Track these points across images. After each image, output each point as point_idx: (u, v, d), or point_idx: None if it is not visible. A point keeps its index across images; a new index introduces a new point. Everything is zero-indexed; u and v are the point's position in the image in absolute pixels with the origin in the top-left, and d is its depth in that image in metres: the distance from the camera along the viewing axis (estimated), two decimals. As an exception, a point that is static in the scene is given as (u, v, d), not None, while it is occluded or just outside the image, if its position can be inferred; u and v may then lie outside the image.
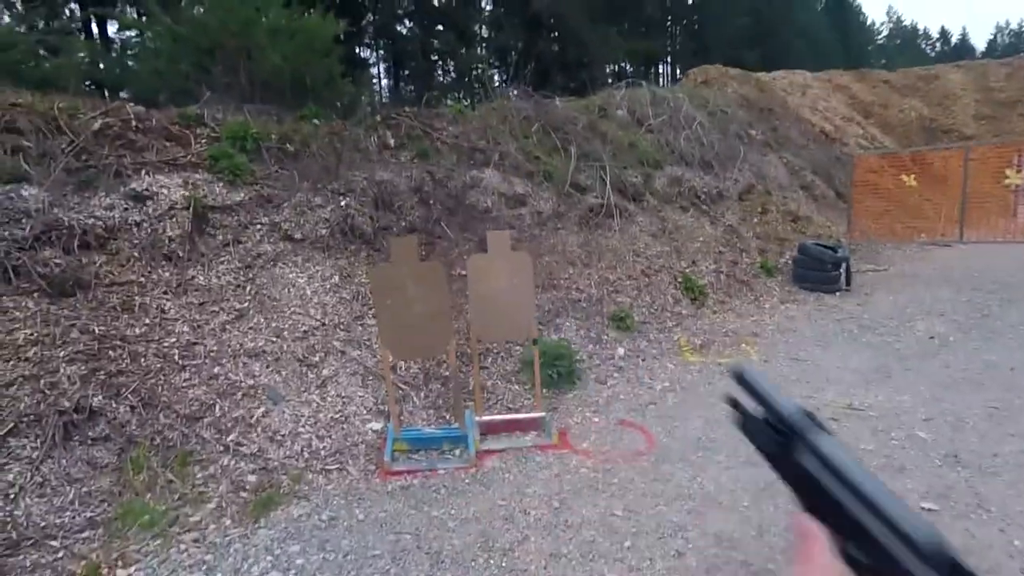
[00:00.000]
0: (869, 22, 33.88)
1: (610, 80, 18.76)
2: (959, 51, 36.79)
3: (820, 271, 9.02)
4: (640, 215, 8.55)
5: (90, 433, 3.59)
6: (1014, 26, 39.79)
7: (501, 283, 4.40)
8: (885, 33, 37.60)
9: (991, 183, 8.94)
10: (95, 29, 9.02)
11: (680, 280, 7.90)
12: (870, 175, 9.90)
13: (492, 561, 3.05)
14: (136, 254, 4.59)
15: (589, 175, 8.38)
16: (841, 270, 8.96)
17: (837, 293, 8.83)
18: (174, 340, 4.29)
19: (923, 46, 38.55)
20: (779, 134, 13.93)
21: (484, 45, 17.40)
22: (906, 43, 37.41)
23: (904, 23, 39.89)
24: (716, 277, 8.54)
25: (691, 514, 3.39)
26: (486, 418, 4.61)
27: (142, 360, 4.06)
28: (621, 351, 6.16)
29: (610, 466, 4.01)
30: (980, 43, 38.77)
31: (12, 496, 3.16)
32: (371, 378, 4.79)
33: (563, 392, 5.28)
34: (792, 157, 13.15)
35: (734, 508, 3.43)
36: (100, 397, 3.74)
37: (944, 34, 40.23)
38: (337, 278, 5.40)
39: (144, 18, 7.64)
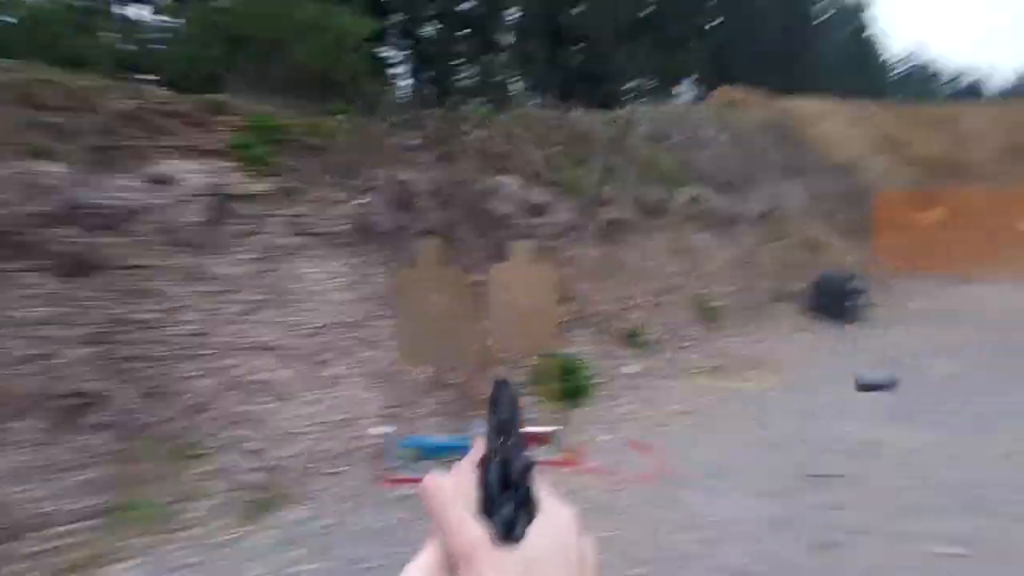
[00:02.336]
0: (886, 57, 33.44)
1: (633, 95, 18.70)
2: (971, 91, 36.36)
3: (836, 301, 8.91)
4: (657, 232, 8.46)
5: (94, 419, 3.52)
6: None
7: (523, 294, 4.32)
8: (902, 69, 37.36)
9: (1011, 226, 8.81)
10: (124, 11, 9.14)
11: (695, 301, 7.80)
12: (892, 209, 9.79)
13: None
14: (153, 238, 4.54)
15: (610, 189, 8.31)
16: (857, 302, 8.85)
17: (851, 324, 8.70)
18: (186, 328, 4.22)
19: (938, 84, 38.30)
20: (799, 160, 13.83)
21: (508, 52, 17.32)
22: (921, 79, 37.20)
23: (917, 61, 39.52)
24: (730, 300, 8.44)
25: (703, 544, 3.29)
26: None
27: (153, 347, 4.00)
28: (634, 369, 6.06)
29: (619, 488, 3.91)
30: (993, 86, 38.12)
31: (14, 479, 3.09)
32: (380, 380, 4.71)
33: (573, 408, 5.19)
34: (812, 184, 13.04)
35: (750, 540, 3.32)
36: (108, 382, 3.68)
37: (957, 75, 39.88)
38: (353, 276, 5.33)
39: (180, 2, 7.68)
